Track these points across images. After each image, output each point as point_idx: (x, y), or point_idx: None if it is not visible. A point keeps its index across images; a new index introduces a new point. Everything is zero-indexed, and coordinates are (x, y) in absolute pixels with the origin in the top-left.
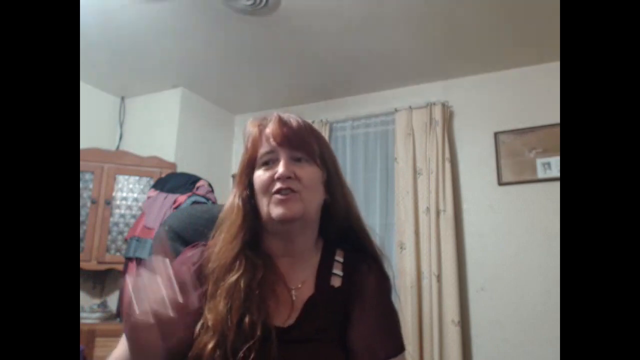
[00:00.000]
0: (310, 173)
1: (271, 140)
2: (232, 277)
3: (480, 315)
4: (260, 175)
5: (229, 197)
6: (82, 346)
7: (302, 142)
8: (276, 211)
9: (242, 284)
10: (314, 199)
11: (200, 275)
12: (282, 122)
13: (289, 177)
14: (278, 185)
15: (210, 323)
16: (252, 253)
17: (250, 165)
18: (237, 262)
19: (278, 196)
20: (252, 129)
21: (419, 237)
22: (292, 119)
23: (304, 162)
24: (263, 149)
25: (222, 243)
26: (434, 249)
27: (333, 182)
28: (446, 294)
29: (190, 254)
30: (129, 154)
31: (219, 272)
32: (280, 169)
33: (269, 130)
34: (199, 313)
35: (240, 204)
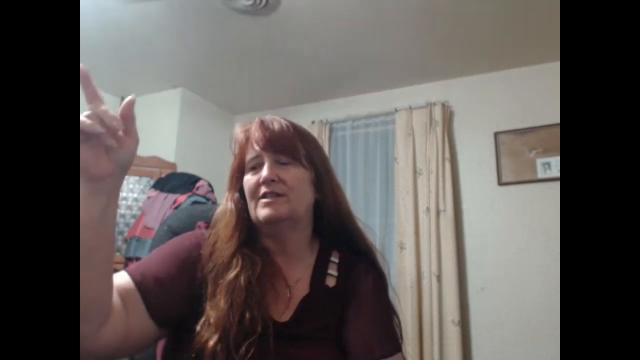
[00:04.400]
0: (295, 175)
1: (255, 145)
2: (232, 274)
3: (480, 315)
4: (248, 180)
5: (222, 202)
6: None
7: (285, 145)
8: (262, 213)
9: (242, 280)
10: (301, 199)
11: (202, 263)
12: (264, 127)
13: (272, 181)
14: (263, 190)
15: (212, 320)
16: (249, 250)
17: (239, 170)
18: (235, 260)
19: (264, 200)
20: (238, 135)
21: (419, 237)
22: (275, 122)
23: (289, 165)
24: (249, 154)
25: (219, 243)
26: (434, 249)
27: (322, 181)
28: (446, 294)
29: (203, 232)
30: None
31: (217, 270)
32: (264, 172)
33: (252, 135)
34: (180, 288)
35: (233, 206)
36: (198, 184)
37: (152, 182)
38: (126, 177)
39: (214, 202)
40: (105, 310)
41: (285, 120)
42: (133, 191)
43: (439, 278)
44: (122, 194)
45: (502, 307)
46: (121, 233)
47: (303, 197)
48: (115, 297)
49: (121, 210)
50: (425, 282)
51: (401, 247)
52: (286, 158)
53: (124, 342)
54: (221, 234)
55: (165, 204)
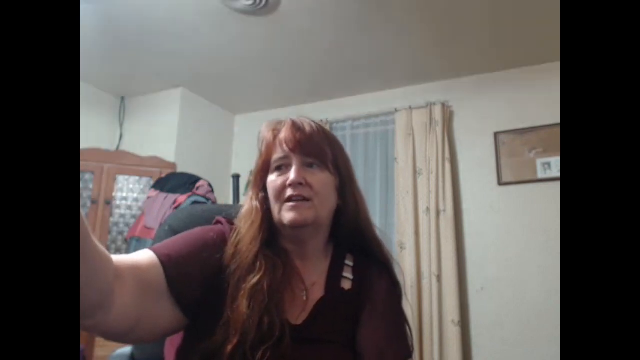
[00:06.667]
0: (321, 179)
1: (284, 145)
2: (254, 279)
3: (480, 315)
4: (273, 181)
5: (245, 200)
6: (82, 346)
7: (314, 148)
8: (287, 217)
9: (264, 285)
10: (325, 204)
11: (224, 259)
12: (295, 128)
13: (300, 184)
14: (289, 192)
15: (231, 322)
16: (270, 252)
17: (264, 169)
18: (258, 263)
19: (289, 203)
20: (266, 134)
21: (419, 237)
22: (306, 123)
23: (316, 168)
24: (277, 154)
25: (241, 244)
26: (434, 249)
27: (346, 187)
28: (446, 294)
29: (226, 227)
30: (129, 154)
31: (240, 273)
32: (292, 175)
33: (282, 135)
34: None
35: (258, 205)
36: (198, 184)
37: (152, 182)
38: (126, 177)
39: (214, 202)
40: (103, 300)
41: (315, 123)
42: (133, 191)
43: (439, 278)
44: (122, 194)
45: (502, 307)
46: (121, 233)
47: (327, 202)
48: (130, 277)
49: (121, 210)
50: (425, 282)
51: (401, 247)
52: (314, 161)
53: (136, 323)
54: (245, 234)
55: (165, 204)
